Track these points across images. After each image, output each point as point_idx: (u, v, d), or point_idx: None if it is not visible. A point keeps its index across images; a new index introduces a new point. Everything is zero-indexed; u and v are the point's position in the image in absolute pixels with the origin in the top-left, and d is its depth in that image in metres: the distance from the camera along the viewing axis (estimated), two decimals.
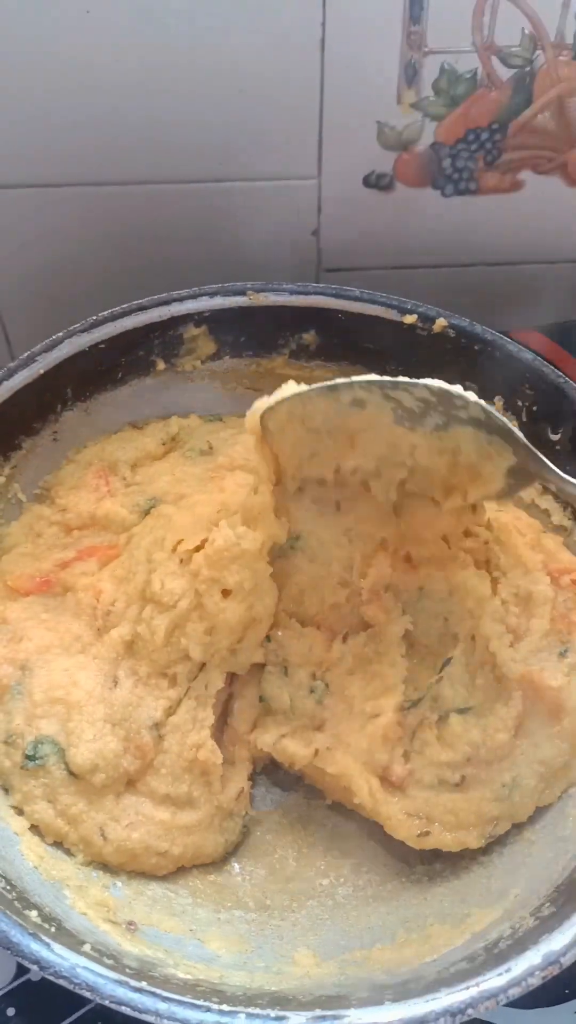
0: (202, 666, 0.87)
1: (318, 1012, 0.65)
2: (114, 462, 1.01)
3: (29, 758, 0.83)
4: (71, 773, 0.82)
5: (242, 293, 1.03)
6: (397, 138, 1.10)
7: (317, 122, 1.07)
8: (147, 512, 0.96)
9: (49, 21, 0.96)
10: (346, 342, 1.05)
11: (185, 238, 1.15)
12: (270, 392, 0.97)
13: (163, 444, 1.04)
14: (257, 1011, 0.66)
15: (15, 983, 0.84)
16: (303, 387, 0.79)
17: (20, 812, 0.83)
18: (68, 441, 1.03)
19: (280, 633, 0.90)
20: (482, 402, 0.76)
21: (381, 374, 0.98)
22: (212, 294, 1.03)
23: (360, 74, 1.04)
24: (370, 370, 0.99)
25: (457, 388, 0.76)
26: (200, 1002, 0.66)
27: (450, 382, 0.89)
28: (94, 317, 0.99)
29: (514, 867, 0.83)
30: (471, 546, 0.91)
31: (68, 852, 0.82)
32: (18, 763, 0.83)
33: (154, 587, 0.87)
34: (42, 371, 0.96)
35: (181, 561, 0.88)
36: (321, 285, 1.04)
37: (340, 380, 0.78)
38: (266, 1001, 0.68)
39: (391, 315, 1.02)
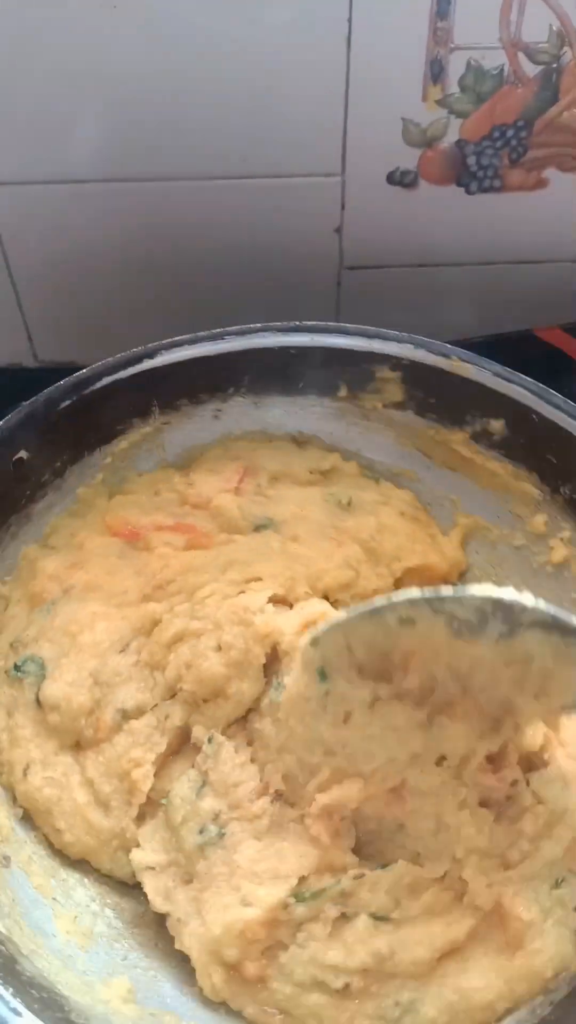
0: (174, 695, 0.84)
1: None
2: (257, 467, 1.00)
3: (16, 667, 0.86)
4: (37, 700, 0.84)
5: (446, 355, 0.99)
6: (422, 135, 1.07)
7: (342, 119, 1.05)
8: (256, 528, 0.96)
9: (74, 16, 0.97)
10: (532, 444, 0.98)
11: (207, 235, 1.15)
12: (438, 461, 1.02)
13: (310, 473, 1.03)
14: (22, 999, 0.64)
15: None
16: (343, 614, 0.72)
17: None
18: (227, 423, 1.03)
19: (225, 746, 0.82)
20: (542, 602, 0.67)
21: (553, 492, 0.96)
22: (416, 344, 0.99)
23: (385, 70, 1.02)
24: (543, 483, 0.98)
25: (510, 593, 0.67)
26: None
27: None
28: (297, 323, 0.99)
29: None
30: (490, 784, 0.77)
31: None
32: (8, 667, 0.87)
33: (200, 594, 0.87)
34: (226, 350, 0.98)
35: (241, 592, 0.87)
36: (528, 379, 0.97)
37: (380, 601, 0.70)
38: (46, 997, 0.66)
39: None
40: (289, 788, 0.79)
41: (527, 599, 0.66)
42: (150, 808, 0.83)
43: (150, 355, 0.96)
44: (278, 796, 0.80)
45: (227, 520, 0.97)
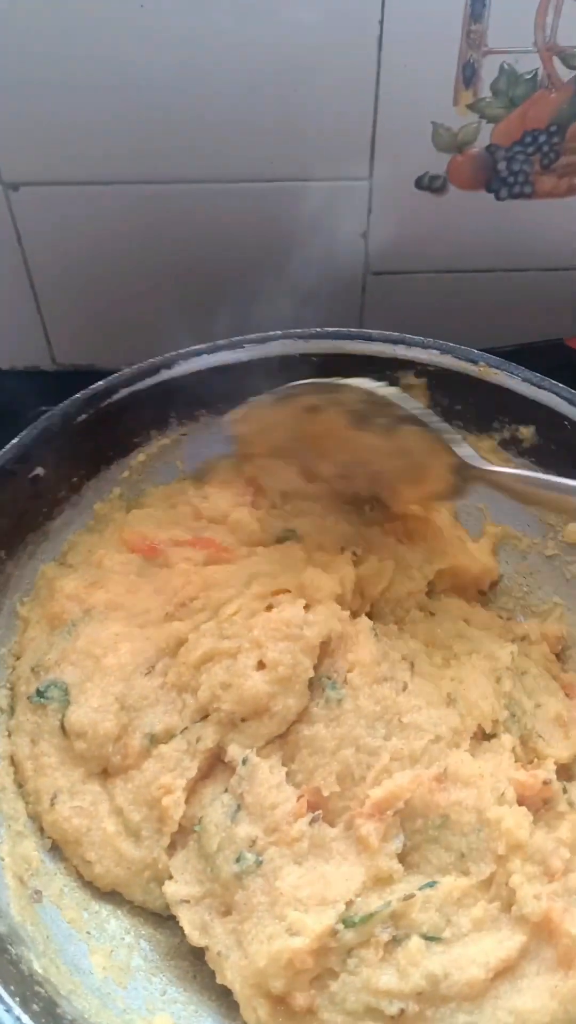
0: (206, 716, 0.82)
1: None
2: (261, 487, 0.98)
3: (39, 693, 0.84)
4: (62, 727, 0.82)
5: (474, 361, 0.96)
6: (452, 140, 1.05)
7: (371, 122, 1.04)
8: (279, 539, 0.94)
9: (100, 17, 0.96)
10: (564, 452, 0.96)
11: (232, 239, 1.13)
12: None
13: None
14: None
15: None
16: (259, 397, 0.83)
17: (8, 735, 0.84)
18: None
19: (261, 767, 0.80)
20: (410, 399, 0.78)
21: None
22: (443, 350, 0.97)
23: (417, 74, 1.00)
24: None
25: (371, 383, 0.78)
26: (14, 989, 0.64)
27: None
28: (317, 330, 0.97)
29: None
30: (521, 778, 0.80)
31: (25, 799, 0.82)
32: (30, 693, 0.84)
33: (226, 610, 0.85)
34: (245, 359, 0.96)
35: (269, 607, 0.85)
36: (560, 385, 0.94)
37: (287, 386, 0.82)
38: None
39: None
40: (343, 788, 0.78)
41: (393, 392, 0.76)
42: (181, 836, 0.80)
43: (168, 365, 0.94)
44: (316, 817, 0.78)
45: (247, 533, 0.95)
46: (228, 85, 1.02)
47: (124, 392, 0.93)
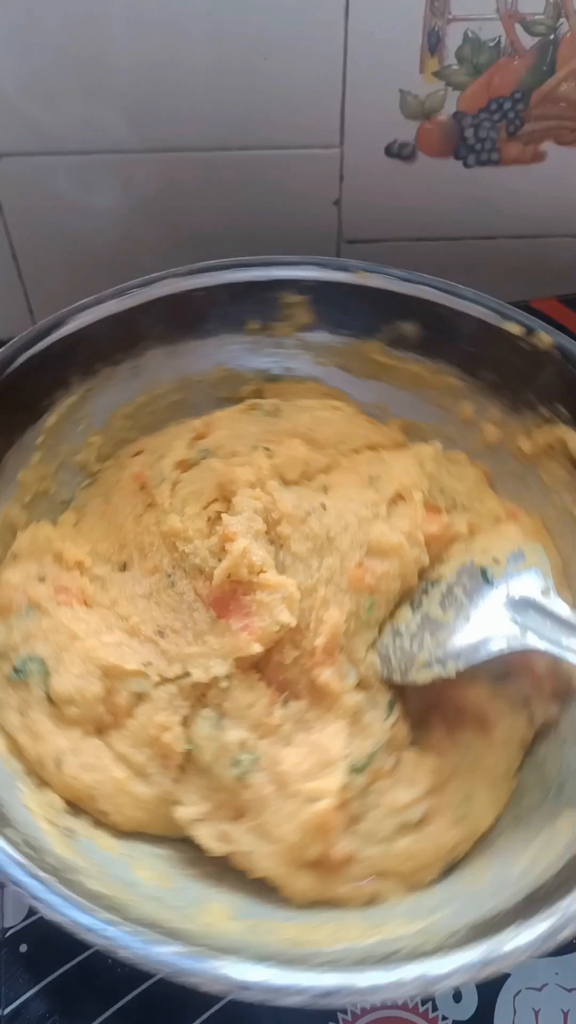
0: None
1: (204, 948, 0.64)
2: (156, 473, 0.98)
3: (15, 671, 0.83)
4: (48, 697, 0.82)
5: (349, 270, 1.02)
6: (420, 107, 1.09)
7: (340, 90, 1.07)
8: (196, 463, 0.96)
9: None
10: (446, 339, 1.02)
11: (205, 207, 1.15)
12: (359, 373, 1.05)
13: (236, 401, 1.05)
14: (139, 930, 0.64)
15: (28, 921, 0.85)
16: None
17: None
18: (147, 378, 1.03)
19: (236, 676, 0.83)
20: None
21: (475, 378, 1.01)
22: (319, 265, 1.02)
23: (383, 41, 1.03)
24: (464, 372, 1.02)
25: None
26: (91, 907, 0.65)
27: (543, 400, 0.95)
28: (196, 264, 0.99)
29: (451, 894, 0.77)
30: None
31: (28, 768, 0.82)
32: (4, 673, 0.83)
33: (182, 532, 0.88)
34: (132, 304, 0.97)
35: (209, 520, 0.89)
36: (432, 277, 1.01)
37: None
38: (160, 931, 0.66)
39: (496, 321, 0.99)
40: (298, 649, 0.82)
41: None
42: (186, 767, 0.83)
43: (59, 324, 0.95)
44: (285, 699, 0.82)
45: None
46: (197, 55, 1.03)
47: (24, 357, 0.93)
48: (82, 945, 0.79)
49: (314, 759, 0.78)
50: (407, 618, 0.83)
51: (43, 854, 0.71)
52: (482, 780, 0.80)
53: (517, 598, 0.78)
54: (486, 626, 0.78)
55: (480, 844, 0.80)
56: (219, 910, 0.76)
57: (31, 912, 0.85)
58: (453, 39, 1.04)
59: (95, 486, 1.00)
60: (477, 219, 1.20)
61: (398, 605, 0.85)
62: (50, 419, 0.98)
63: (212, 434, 0.97)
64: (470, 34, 1.04)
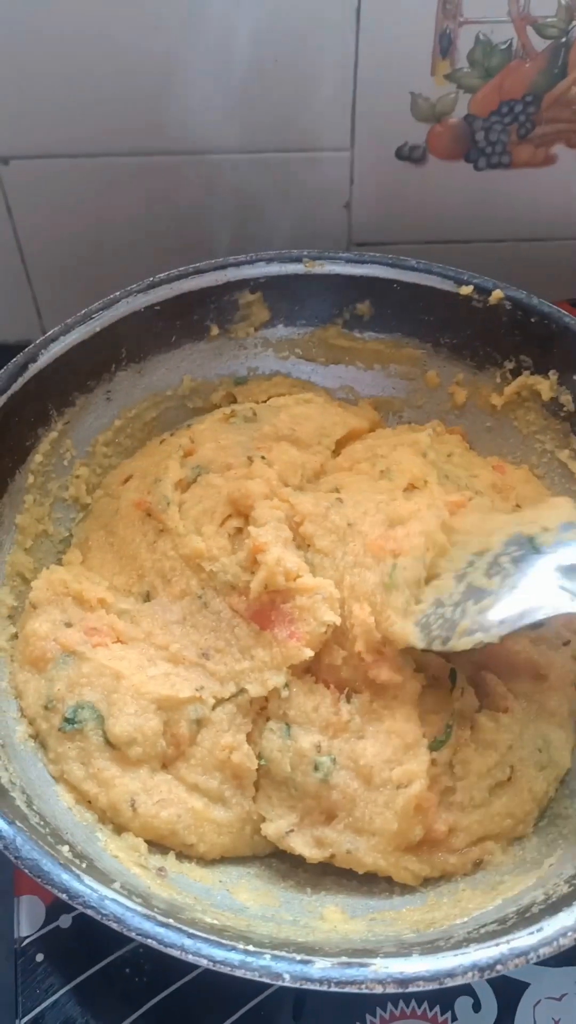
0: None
1: (344, 959, 0.65)
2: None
3: (68, 721, 0.81)
4: (108, 742, 0.81)
5: (298, 260, 1.02)
6: (431, 110, 1.09)
7: (351, 93, 1.07)
8: (193, 481, 0.95)
9: None
10: (401, 313, 1.04)
11: (216, 210, 1.14)
12: (322, 360, 1.06)
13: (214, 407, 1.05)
14: (283, 954, 0.65)
15: (44, 930, 0.84)
16: None
17: (52, 764, 0.82)
18: (121, 401, 1.02)
19: (296, 683, 0.83)
20: None
21: (435, 345, 1.04)
22: (268, 260, 1.02)
23: (395, 44, 1.03)
24: (424, 341, 1.04)
25: None
26: (227, 942, 0.65)
27: (505, 354, 0.98)
28: (152, 279, 0.99)
29: (549, 840, 0.81)
30: None
31: (102, 817, 0.81)
32: (55, 725, 0.81)
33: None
34: (98, 328, 0.96)
35: (229, 536, 0.89)
36: (377, 255, 1.03)
37: None
38: (292, 949, 0.67)
39: (447, 286, 1.01)
40: (341, 674, 0.83)
41: None
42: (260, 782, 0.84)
43: (33, 359, 0.93)
44: (347, 695, 0.83)
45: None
46: (208, 58, 1.00)
47: (3, 400, 0.91)
48: (101, 953, 0.82)
49: (393, 746, 0.80)
50: (450, 588, 0.83)
51: (150, 898, 0.71)
52: (551, 723, 0.84)
53: (567, 564, 0.79)
54: (534, 593, 0.78)
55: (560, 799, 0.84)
56: (334, 914, 0.77)
57: (47, 920, 0.85)
58: (465, 42, 1.03)
59: (91, 519, 0.99)
60: (487, 222, 1.20)
61: (438, 577, 0.86)
62: (36, 458, 0.96)
63: (199, 450, 0.97)
64: (482, 37, 1.03)
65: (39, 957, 0.83)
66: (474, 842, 0.80)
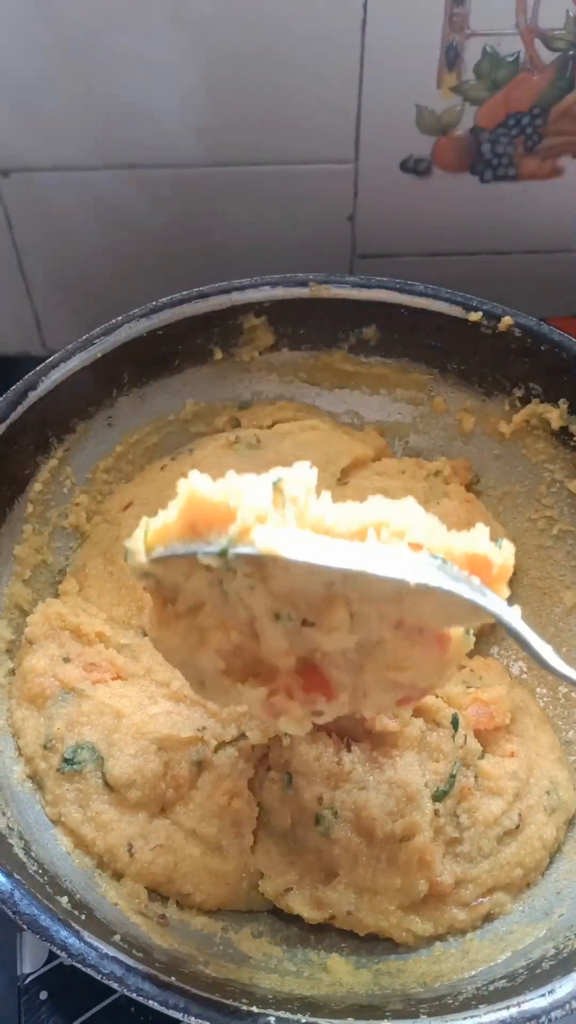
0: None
1: (350, 1021, 0.64)
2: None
3: (67, 761, 0.80)
4: (107, 784, 0.79)
5: (304, 284, 1.01)
6: (436, 122, 1.08)
7: (356, 105, 1.05)
8: None
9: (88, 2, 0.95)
10: (408, 338, 1.03)
11: (219, 222, 1.13)
12: (327, 384, 1.05)
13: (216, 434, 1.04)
14: (287, 1015, 0.64)
15: (47, 967, 0.83)
16: None
17: (50, 806, 0.80)
18: (122, 427, 1.01)
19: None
20: None
21: (443, 371, 1.02)
22: (273, 284, 1.00)
23: (400, 56, 1.02)
24: (431, 367, 1.03)
25: None
26: (229, 1002, 0.64)
27: (514, 382, 0.97)
28: (154, 303, 0.97)
29: (559, 888, 0.79)
30: None
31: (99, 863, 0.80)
32: (54, 766, 0.80)
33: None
34: (99, 354, 0.95)
35: None
36: (385, 279, 1.01)
37: None
38: (296, 1006, 0.66)
39: (456, 311, 0.99)
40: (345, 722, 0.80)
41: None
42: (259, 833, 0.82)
43: (33, 386, 0.92)
44: (347, 744, 0.81)
45: None
46: (211, 70, 0.99)
47: (2, 428, 0.90)
48: (105, 991, 0.81)
49: (396, 797, 0.77)
50: None
51: (151, 951, 0.70)
52: (549, 760, 0.82)
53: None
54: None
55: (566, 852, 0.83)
56: (338, 964, 0.76)
57: (51, 957, 0.84)
58: (471, 54, 1.01)
59: (88, 546, 0.97)
60: (493, 234, 1.19)
61: None
62: (36, 486, 0.95)
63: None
64: (488, 49, 1.01)
65: (43, 995, 0.83)
66: (483, 893, 0.78)
